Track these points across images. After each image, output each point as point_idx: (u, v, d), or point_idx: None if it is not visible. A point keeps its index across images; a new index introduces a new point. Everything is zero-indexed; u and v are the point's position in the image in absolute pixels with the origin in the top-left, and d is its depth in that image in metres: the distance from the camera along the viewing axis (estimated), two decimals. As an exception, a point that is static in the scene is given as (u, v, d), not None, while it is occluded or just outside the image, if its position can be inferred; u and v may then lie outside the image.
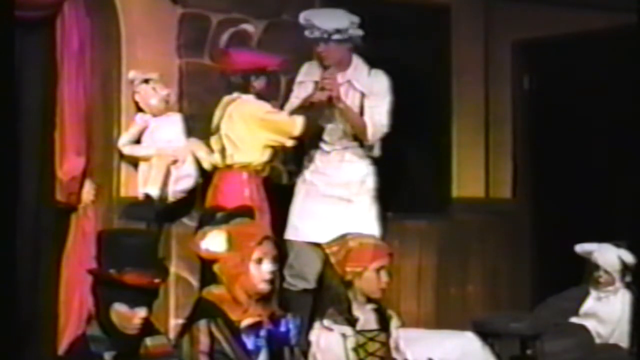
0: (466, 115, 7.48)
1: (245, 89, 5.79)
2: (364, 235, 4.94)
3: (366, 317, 4.75)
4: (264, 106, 5.80)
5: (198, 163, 5.93)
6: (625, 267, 6.14)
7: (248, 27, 6.30)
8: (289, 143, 5.77)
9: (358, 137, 5.86)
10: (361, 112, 5.83)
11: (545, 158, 7.56)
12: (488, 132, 7.62)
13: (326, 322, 4.68)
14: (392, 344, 4.78)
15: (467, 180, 7.50)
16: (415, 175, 7.13)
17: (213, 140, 5.83)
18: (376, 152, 5.98)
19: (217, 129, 5.80)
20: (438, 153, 7.38)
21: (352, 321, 4.69)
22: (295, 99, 5.96)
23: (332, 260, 4.79)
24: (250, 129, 5.71)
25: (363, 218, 5.81)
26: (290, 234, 5.88)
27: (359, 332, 4.68)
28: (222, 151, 5.77)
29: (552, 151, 7.49)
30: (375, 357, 4.69)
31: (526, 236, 7.66)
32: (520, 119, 7.69)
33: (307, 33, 5.79)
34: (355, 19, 5.80)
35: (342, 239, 4.85)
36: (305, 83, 5.95)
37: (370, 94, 5.84)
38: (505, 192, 7.68)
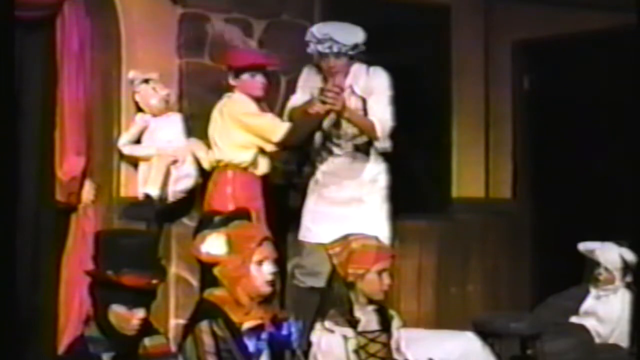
0: (466, 115, 7.47)
1: (232, 88, 5.79)
2: (367, 237, 4.91)
3: (368, 318, 4.74)
4: (246, 107, 5.77)
5: (198, 163, 5.93)
6: (626, 266, 6.15)
7: (229, 29, 6.27)
8: (269, 148, 5.75)
9: (369, 136, 5.87)
10: (365, 112, 5.82)
11: (545, 158, 7.56)
12: (488, 132, 7.61)
13: (327, 323, 4.68)
14: (393, 344, 4.77)
15: (467, 180, 7.50)
16: (415, 175, 7.13)
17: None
18: (387, 146, 5.95)
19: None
20: (438, 153, 7.38)
21: (353, 323, 4.69)
22: (301, 95, 5.91)
23: (335, 261, 4.79)
24: (226, 128, 5.71)
25: (374, 218, 5.80)
26: (303, 235, 5.89)
27: (360, 334, 4.68)
28: (213, 152, 5.80)
29: (552, 151, 7.49)
30: (377, 358, 4.69)
31: (526, 236, 7.65)
32: (520, 119, 7.68)
33: (321, 47, 5.68)
34: (365, 36, 5.74)
35: (345, 239, 4.83)
36: (307, 89, 5.94)
37: (370, 94, 5.83)
38: (505, 192, 7.68)
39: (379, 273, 4.74)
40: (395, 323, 4.82)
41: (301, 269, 5.86)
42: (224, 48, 6.14)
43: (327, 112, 5.64)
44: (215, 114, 5.80)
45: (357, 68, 5.86)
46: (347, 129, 5.85)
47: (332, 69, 5.75)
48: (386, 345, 4.75)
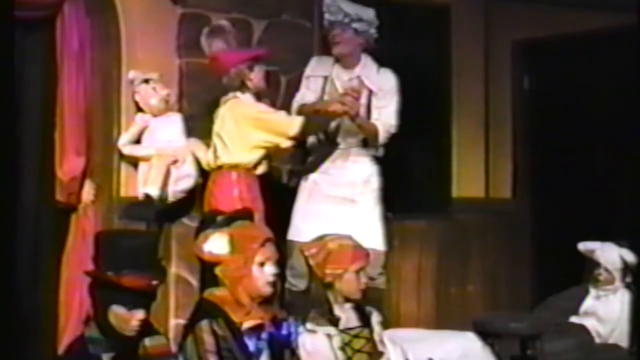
0: (466, 115, 7.47)
1: (241, 86, 5.77)
2: (343, 237, 4.90)
3: (347, 315, 4.76)
4: (258, 106, 5.77)
5: (198, 163, 5.93)
6: (625, 267, 6.15)
7: (223, 23, 6.26)
8: (285, 144, 5.71)
9: (367, 139, 5.86)
10: (368, 110, 5.83)
11: (545, 158, 7.56)
12: (488, 132, 7.62)
13: (309, 325, 4.69)
14: (376, 337, 4.80)
15: (467, 180, 7.50)
16: (415, 175, 7.13)
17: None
18: (380, 151, 5.98)
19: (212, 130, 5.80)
20: (438, 153, 7.38)
21: (334, 321, 4.71)
22: (306, 90, 5.94)
23: (312, 262, 4.80)
24: (240, 129, 5.66)
25: (366, 219, 5.80)
26: (292, 235, 5.87)
27: (343, 331, 4.70)
28: (214, 152, 5.77)
29: (552, 151, 7.49)
30: (363, 354, 4.71)
31: (526, 236, 7.65)
32: (520, 119, 7.68)
33: (327, 15, 5.79)
34: (376, 21, 5.80)
35: (321, 240, 4.84)
36: (314, 78, 5.95)
37: (378, 92, 5.85)
38: (505, 192, 7.68)
39: (357, 272, 4.76)
40: (375, 317, 4.84)
41: (292, 270, 5.83)
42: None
43: (344, 113, 5.67)
44: (224, 115, 5.72)
45: (368, 62, 5.90)
46: (342, 128, 5.85)
47: (334, 38, 5.79)
48: (370, 339, 4.76)
